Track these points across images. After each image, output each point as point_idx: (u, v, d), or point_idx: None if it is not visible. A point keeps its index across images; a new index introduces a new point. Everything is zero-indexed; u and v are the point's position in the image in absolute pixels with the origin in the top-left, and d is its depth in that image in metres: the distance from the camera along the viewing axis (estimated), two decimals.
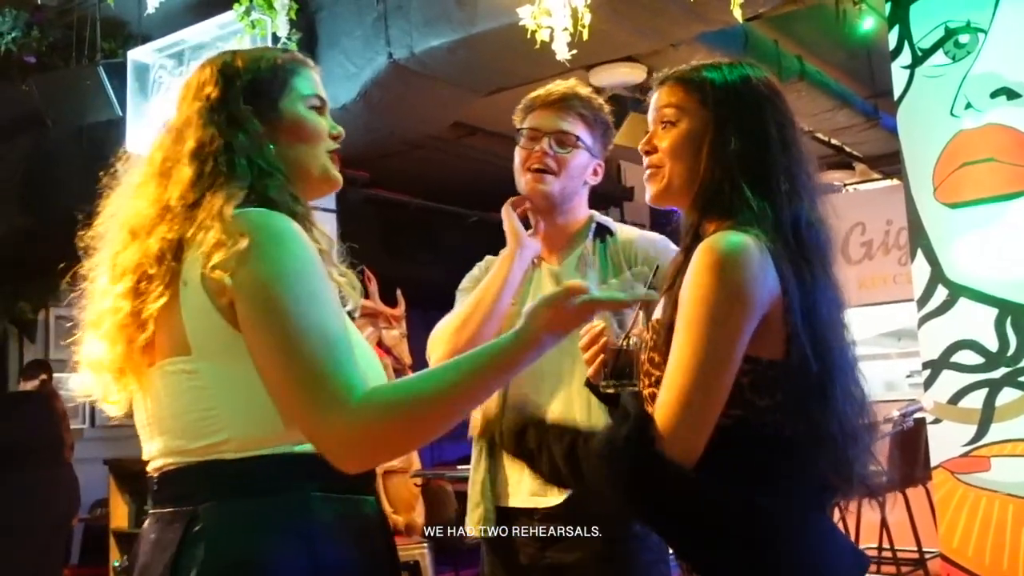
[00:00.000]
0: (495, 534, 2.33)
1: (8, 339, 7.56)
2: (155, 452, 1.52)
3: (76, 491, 6.05)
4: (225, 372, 1.43)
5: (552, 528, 2.26)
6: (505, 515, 2.34)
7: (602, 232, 2.39)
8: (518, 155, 2.39)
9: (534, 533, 2.28)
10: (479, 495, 2.38)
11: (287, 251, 1.42)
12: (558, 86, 2.38)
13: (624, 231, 2.41)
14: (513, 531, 2.31)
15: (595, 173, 2.41)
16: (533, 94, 2.39)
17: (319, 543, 1.41)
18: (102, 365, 1.52)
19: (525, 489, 2.30)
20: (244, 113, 1.58)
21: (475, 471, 2.41)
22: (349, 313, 1.57)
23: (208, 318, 1.42)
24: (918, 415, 3.78)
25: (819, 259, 1.56)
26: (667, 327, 1.55)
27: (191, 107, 1.60)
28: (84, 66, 4.75)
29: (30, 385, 5.85)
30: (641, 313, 1.66)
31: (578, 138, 2.34)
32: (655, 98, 1.72)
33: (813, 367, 1.49)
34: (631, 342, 1.62)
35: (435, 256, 8.37)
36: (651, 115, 1.72)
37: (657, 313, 1.64)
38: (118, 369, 1.52)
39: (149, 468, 1.55)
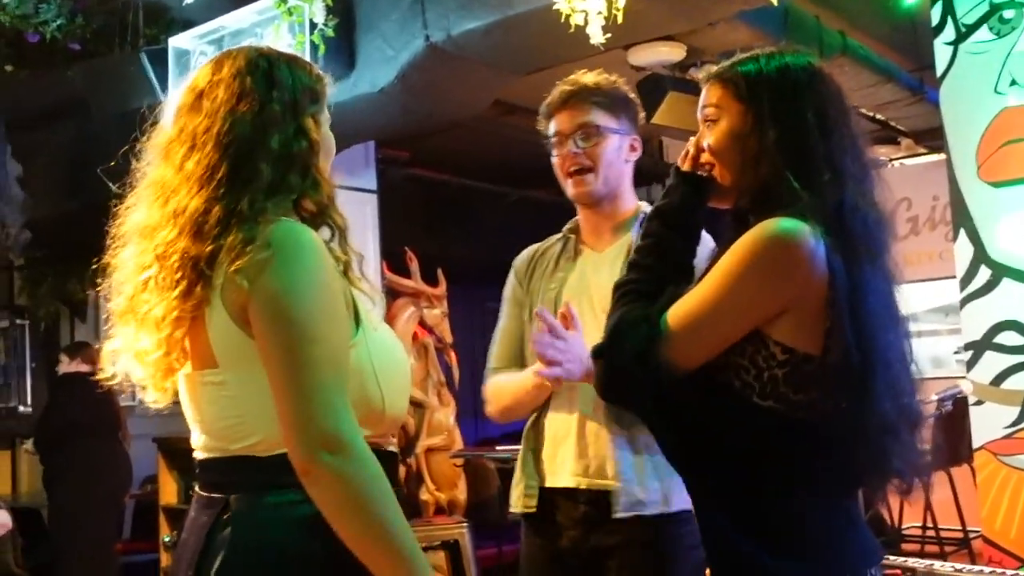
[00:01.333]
0: (536, 513, 2.33)
1: (60, 319, 7.73)
2: (199, 444, 1.65)
3: (129, 467, 6.21)
4: (251, 380, 1.52)
5: (595, 510, 2.26)
6: (548, 495, 2.33)
7: None
8: (554, 163, 2.42)
9: (576, 515, 2.28)
10: (521, 471, 2.39)
11: (303, 267, 1.50)
12: (566, 84, 2.39)
13: None
14: (555, 512, 2.31)
15: (632, 149, 2.42)
16: (546, 101, 2.41)
17: (333, 532, 1.48)
18: (147, 360, 1.59)
19: (568, 469, 2.31)
20: (311, 123, 1.63)
21: (522, 447, 2.43)
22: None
23: (229, 330, 1.52)
24: (958, 397, 3.74)
25: (867, 248, 1.54)
26: None
27: (241, 101, 1.59)
28: (127, 53, 4.82)
29: (73, 364, 5.98)
30: None
31: (599, 126, 2.35)
32: (701, 98, 1.72)
33: (853, 364, 1.49)
34: None
35: (476, 234, 8.39)
36: (699, 116, 1.73)
37: None
38: (163, 370, 1.60)
39: (195, 453, 1.67)
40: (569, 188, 2.39)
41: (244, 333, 1.51)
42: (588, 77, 2.39)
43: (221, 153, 1.56)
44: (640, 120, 2.47)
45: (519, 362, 2.43)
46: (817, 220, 1.51)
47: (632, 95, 2.45)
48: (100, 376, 1.66)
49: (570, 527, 2.29)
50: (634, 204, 2.44)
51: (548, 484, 2.33)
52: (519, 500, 2.36)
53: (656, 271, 1.62)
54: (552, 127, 2.40)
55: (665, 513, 2.22)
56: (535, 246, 2.54)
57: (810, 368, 1.50)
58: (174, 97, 1.68)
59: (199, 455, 1.65)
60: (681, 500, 2.19)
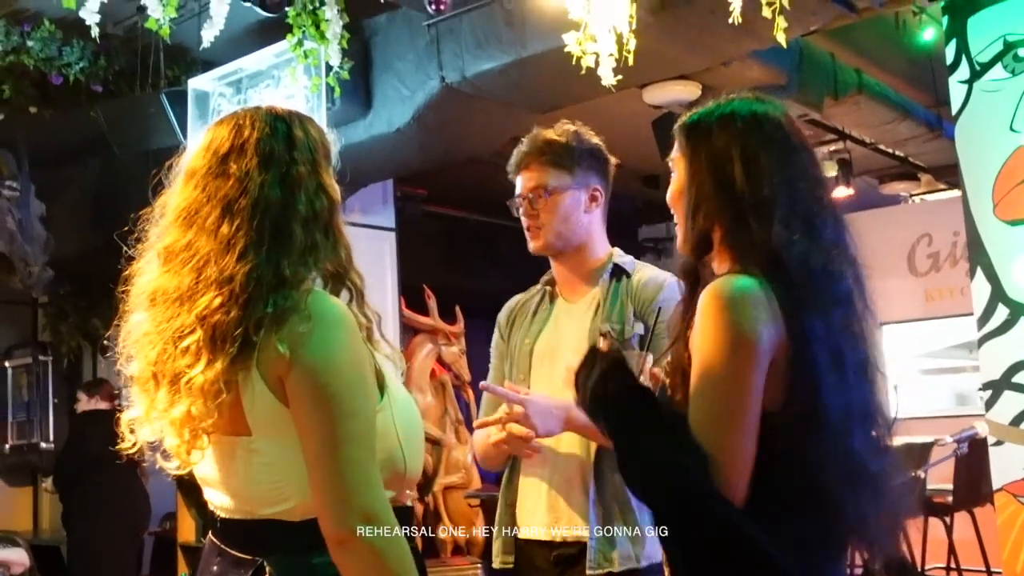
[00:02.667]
0: (513, 568, 2.35)
1: (83, 355, 7.78)
2: (222, 506, 1.65)
3: (148, 504, 6.23)
4: (284, 447, 1.55)
5: (567, 560, 2.27)
6: (523, 545, 2.35)
7: (618, 272, 2.40)
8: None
9: (548, 565, 2.30)
10: (498, 526, 2.41)
11: (340, 342, 1.53)
12: (522, 144, 2.42)
13: (640, 271, 2.40)
14: (531, 562, 2.33)
15: (593, 200, 2.41)
16: (510, 161, 2.46)
17: None
18: (190, 426, 1.55)
19: (540, 520, 2.32)
20: (320, 176, 1.64)
21: (500, 501, 2.44)
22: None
23: (265, 399, 1.53)
24: (975, 438, 3.69)
25: (813, 296, 1.50)
26: (678, 367, 1.56)
27: (270, 164, 1.59)
28: (147, 94, 4.89)
29: (92, 401, 6.02)
30: (649, 356, 1.67)
31: (547, 186, 2.36)
32: None
33: (813, 420, 1.46)
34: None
35: (494, 270, 8.40)
36: None
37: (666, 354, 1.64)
38: (198, 436, 1.56)
39: (213, 507, 1.68)
40: (529, 241, 2.43)
41: (279, 402, 1.53)
42: (544, 134, 2.41)
43: (260, 218, 1.56)
44: (606, 168, 2.45)
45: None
46: (759, 268, 1.49)
47: (594, 145, 2.43)
48: (122, 446, 1.63)
49: (546, 571, 2.31)
50: (605, 252, 2.45)
51: (522, 536, 2.35)
52: (497, 556, 2.39)
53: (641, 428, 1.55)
54: (516, 188, 2.44)
55: (635, 569, 2.22)
56: (517, 297, 2.57)
57: (772, 422, 1.47)
58: (186, 160, 1.66)
59: (221, 514, 1.66)
60: (651, 554, 2.20)
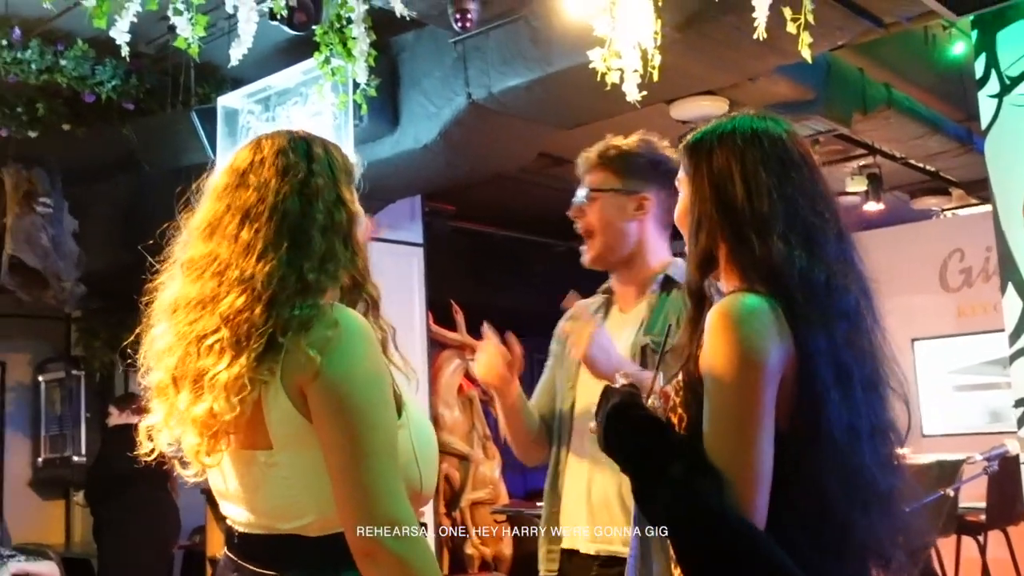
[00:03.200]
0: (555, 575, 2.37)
1: (115, 370, 7.85)
2: (240, 520, 1.66)
3: (177, 518, 6.27)
4: (305, 462, 1.56)
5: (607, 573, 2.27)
6: (566, 556, 2.36)
7: (669, 284, 2.37)
8: None
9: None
10: (543, 535, 2.42)
11: (363, 353, 1.55)
12: (585, 151, 2.48)
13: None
14: (572, 573, 2.33)
15: (639, 208, 2.41)
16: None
17: None
18: (208, 422, 1.56)
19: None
20: (348, 196, 1.69)
21: (544, 508, 2.45)
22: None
23: (288, 413, 1.54)
24: (1006, 456, 3.65)
25: (818, 313, 1.48)
26: (688, 386, 1.55)
27: (287, 174, 1.63)
28: (178, 111, 4.94)
29: (123, 415, 6.07)
30: (660, 374, 1.66)
31: (592, 186, 2.40)
32: None
33: (818, 436, 1.45)
34: (650, 402, 1.63)
35: (523, 286, 8.41)
36: None
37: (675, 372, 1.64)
38: (217, 437, 1.57)
39: (230, 521, 1.68)
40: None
41: (302, 416, 1.54)
42: (608, 141, 2.45)
43: (279, 223, 1.59)
44: (667, 180, 2.43)
45: (544, 410, 2.50)
46: (763, 288, 1.49)
47: (658, 156, 2.43)
48: (140, 452, 1.65)
49: None
50: (659, 263, 2.42)
51: (564, 546, 2.36)
52: (542, 564, 2.41)
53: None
54: None
55: None
56: (580, 303, 2.55)
57: (777, 443, 1.46)
58: (211, 180, 1.71)
59: (240, 529, 1.67)
60: None
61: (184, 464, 1.65)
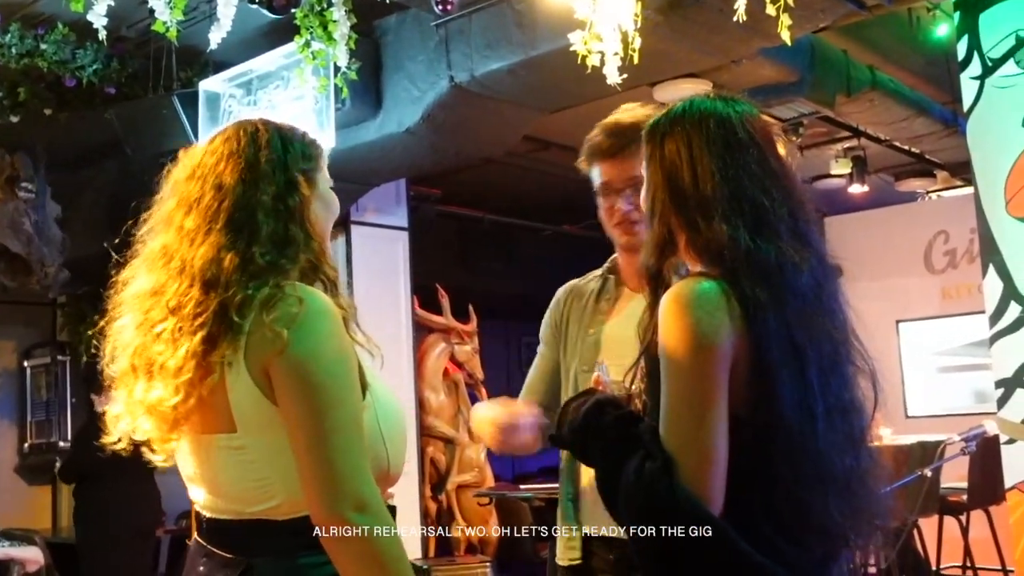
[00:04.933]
0: (579, 562, 2.27)
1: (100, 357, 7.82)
2: (207, 503, 1.67)
3: (158, 504, 6.25)
4: (271, 444, 1.56)
5: (629, 556, 2.23)
6: (587, 543, 2.27)
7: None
8: (600, 207, 2.32)
9: (611, 561, 2.22)
10: (562, 521, 2.33)
11: (327, 331, 1.56)
12: (611, 131, 2.26)
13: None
14: (592, 558, 2.26)
15: None
16: (592, 141, 2.29)
17: None
18: (160, 408, 1.58)
19: (604, 517, 2.27)
20: (301, 179, 1.69)
21: (560, 495, 2.37)
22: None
23: (251, 395, 1.55)
24: (984, 436, 3.67)
25: (770, 294, 1.47)
26: (648, 374, 1.56)
27: (228, 161, 1.66)
28: (160, 96, 4.91)
29: (104, 400, 6.03)
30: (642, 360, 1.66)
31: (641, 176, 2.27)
32: None
33: (772, 419, 1.44)
34: (633, 388, 1.64)
35: (510, 269, 8.41)
36: None
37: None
38: (170, 421, 1.59)
39: (198, 507, 1.69)
40: (618, 236, 2.30)
41: (266, 398, 1.55)
42: (630, 116, 2.24)
43: (217, 206, 1.62)
44: None
45: (544, 399, 2.37)
46: (715, 271, 1.49)
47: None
48: (106, 440, 1.67)
49: (607, 571, 2.24)
50: None
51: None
52: (563, 553, 2.31)
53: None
54: (598, 175, 2.29)
55: None
56: (571, 283, 2.47)
57: (733, 426, 1.45)
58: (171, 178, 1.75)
59: (206, 514, 1.67)
60: None
61: (152, 450, 1.66)
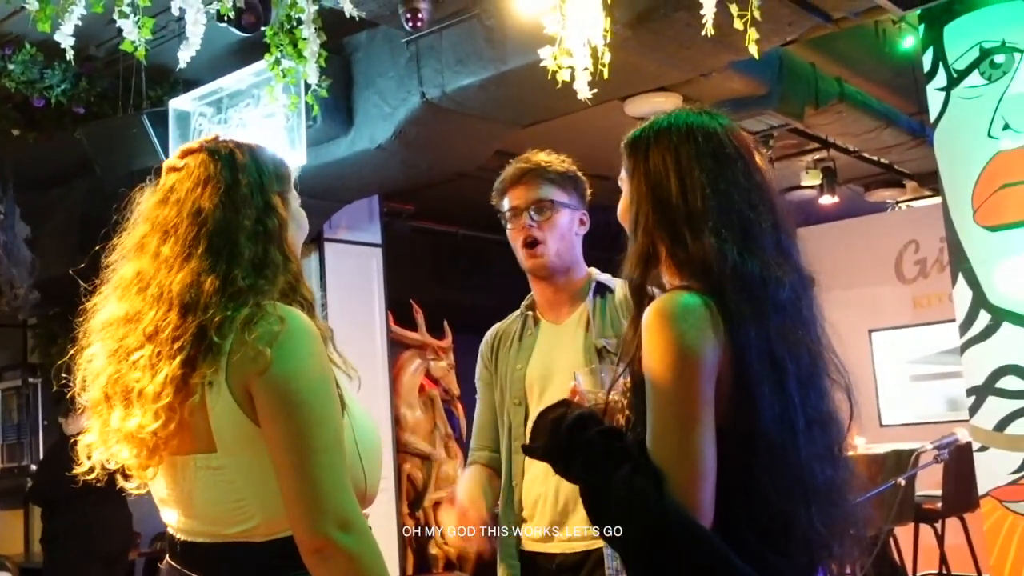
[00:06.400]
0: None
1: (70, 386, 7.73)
2: (182, 526, 1.64)
3: (131, 527, 6.16)
4: (250, 465, 1.55)
5: (570, 569, 2.30)
6: (527, 558, 2.38)
7: (601, 290, 2.48)
8: (509, 236, 2.51)
9: (552, 572, 2.33)
10: (501, 554, 2.43)
11: (309, 350, 1.55)
12: (520, 162, 2.50)
13: (622, 287, 2.45)
14: (531, 571, 2.37)
15: (581, 223, 2.52)
16: (500, 178, 2.53)
17: None
18: (139, 436, 1.55)
19: (545, 522, 2.34)
20: (278, 201, 1.69)
21: (501, 524, 2.45)
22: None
23: (232, 415, 1.53)
24: (957, 444, 3.70)
25: (751, 308, 1.48)
26: (634, 387, 1.55)
27: (207, 185, 1.64)
28: (129, 115, 4.88)
29: (73, 422, 5.97)
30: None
31: (552, 201, 2.44)
32: None
33: (753, 431, 1.45)
34: (612, 399, 1.63)
35: (484, 284, 8.40)
36: None
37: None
38: (150, 447, 1.56)
39: (172, 529, 1.66)
40: (524, 260, 2.47)
41: (246, 417, 1.53)
42: (541, 156, 2.50)
43: (196, 232, 1.61)
44: (588, 197, 2.56)
45: (494, 445, 2.52)
46: (700, 283, 1.50)
47: (579, 175, 2.53)
48: (79, 470, 1.64)
49: None
50: (585, 273, 2.53)
51: (526, 543, 2.38)
52: (501, 562, 2.41)
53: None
54: (507, 202, 2.49)
55: None
56: (496, 326, 2.63)
57: (719, 439, 1.46)
58: (143, 201, 1.72)
59: (181, 537, 1.65)
60: None
61: (126, 477, 1.64)
